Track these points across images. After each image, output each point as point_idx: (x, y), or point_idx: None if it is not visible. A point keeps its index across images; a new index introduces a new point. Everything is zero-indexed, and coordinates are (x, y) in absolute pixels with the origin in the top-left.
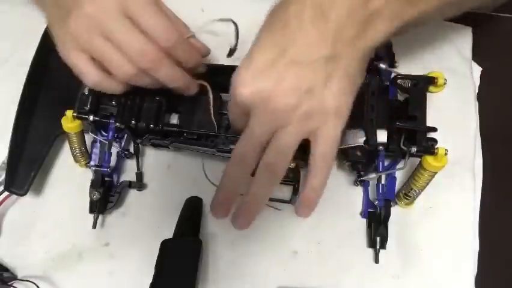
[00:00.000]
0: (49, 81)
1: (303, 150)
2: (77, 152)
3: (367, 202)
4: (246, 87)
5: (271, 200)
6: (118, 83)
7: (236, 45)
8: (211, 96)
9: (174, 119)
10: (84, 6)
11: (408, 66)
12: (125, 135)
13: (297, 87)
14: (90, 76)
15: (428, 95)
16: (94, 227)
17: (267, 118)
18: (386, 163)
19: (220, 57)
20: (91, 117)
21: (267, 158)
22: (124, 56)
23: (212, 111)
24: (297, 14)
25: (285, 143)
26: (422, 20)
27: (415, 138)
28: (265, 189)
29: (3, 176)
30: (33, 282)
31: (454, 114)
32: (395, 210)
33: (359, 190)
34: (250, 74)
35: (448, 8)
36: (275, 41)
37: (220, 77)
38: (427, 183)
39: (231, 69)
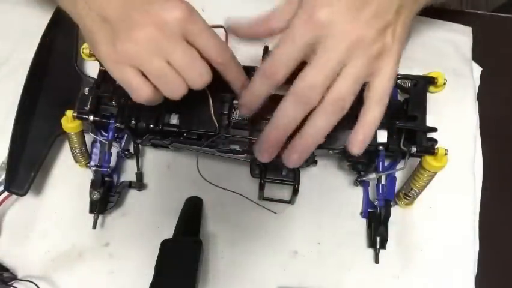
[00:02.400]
0: (49, 81)
1: None
2: (77, 152)
3: (367, 202)
4: (328, 5)
5: (271, 200)
6: (161, 96)
7: None
8: (209, 95)
9: (174, 119)
10: (146, 27)
11: (408, 66)
12: (125, 135)
13: (378, 20)
14: (143, 93)
15: (428, 95)
16: (94, 227)
17: (345, 48)
18: (386, 163)
19: None
20: (91, 118)
21: (339, 89)
22: (182, 80)
23: (212, 111)
24: None
25: (357, 74)
26: None
27: (415, 138)
28: (329, 123)
29: (3, 176)
30: (33, 282)
31: (453, 114)
32: (395, 210)
33: (359, 190)
34: None
35: None
36: None
37: (220, 76)
38: (427, 183)
39: None
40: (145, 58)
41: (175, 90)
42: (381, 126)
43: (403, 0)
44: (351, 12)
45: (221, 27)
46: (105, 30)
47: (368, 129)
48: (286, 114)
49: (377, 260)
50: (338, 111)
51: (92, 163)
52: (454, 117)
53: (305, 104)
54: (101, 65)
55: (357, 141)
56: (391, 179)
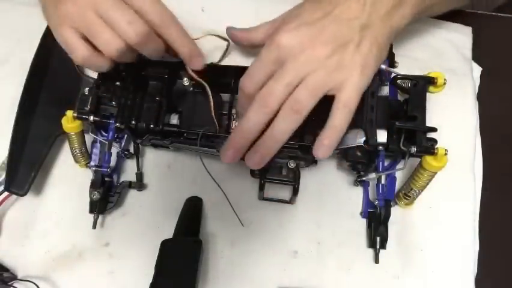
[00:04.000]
0: (49, 81)
1: (304, 150)
2: (77, 152)
3: (367, 202)
4: (289, 32)
5: (271, 200)
6: (105, 59)
7: (220, 60)
8: (210, 95)
9: (174, 119)
10: None
11: (408, 66)
12: (125, 135)
13: (335, 40)
14: (79, 51)
15: (428, 95)
16: (94, 227)
17: (301, 63)
18: (386, 163)
19: (219, 58)
20: (91, 118)
21: (297, 95)
22: (114, 32)
23: (212, 111)
24: None
25: (315, 84)
26: (431, 10)
27: (415, 138)
28: (287, 126)
29: (3, 176)
30: (33, 282)
31: (454, 115)
32: (395, 210)
33: (359, 190)
34: (295, 24)
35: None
36: (321, 7)
37: (220, 77)
38: (427, 183)
39: (231, 69)
40: (79, 14)
41: (109, 43)
42: (381, 126)
43: (367, 20)
44: (308, 37)
45: (226, 39)
46: None
47: (332, 134)
48: (250, 118)
49: (377, 260)
50: (294, 114)
51: (92, 163)
52: (454, 117)
53: (265, 108)
54: None
55: (321, 146)
56: (391, 179)
